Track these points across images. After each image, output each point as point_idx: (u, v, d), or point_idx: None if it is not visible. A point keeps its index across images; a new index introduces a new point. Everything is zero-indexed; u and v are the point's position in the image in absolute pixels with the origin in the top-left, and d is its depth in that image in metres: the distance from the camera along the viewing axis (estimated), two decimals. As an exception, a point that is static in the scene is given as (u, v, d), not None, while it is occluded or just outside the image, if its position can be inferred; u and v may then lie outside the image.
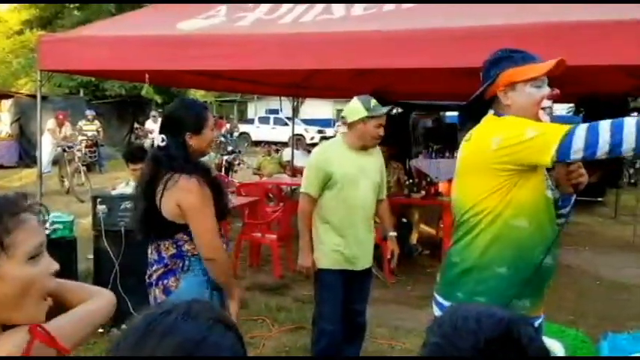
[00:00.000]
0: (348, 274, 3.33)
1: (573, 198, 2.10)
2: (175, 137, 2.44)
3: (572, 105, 16.74)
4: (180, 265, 2.47)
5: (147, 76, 4.55)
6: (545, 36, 3.40)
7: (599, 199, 10.40)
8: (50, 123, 11.71)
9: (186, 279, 2.47)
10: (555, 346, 2.74)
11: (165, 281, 2.49)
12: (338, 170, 3.24)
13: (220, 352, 0.81)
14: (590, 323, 4.45)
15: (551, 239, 1.99)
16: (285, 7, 4.57)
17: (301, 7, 4.48)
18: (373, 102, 3.27)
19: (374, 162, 3.40)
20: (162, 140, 2.45)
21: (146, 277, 2.58)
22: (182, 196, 2.35)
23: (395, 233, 3.57)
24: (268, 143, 11.80)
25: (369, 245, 3.43)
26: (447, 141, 10.00)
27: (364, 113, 3.22)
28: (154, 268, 2.54)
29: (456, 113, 11.90)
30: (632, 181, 12.39)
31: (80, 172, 10.61)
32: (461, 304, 0.98)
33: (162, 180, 2.40)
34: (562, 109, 18.40)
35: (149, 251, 2.58)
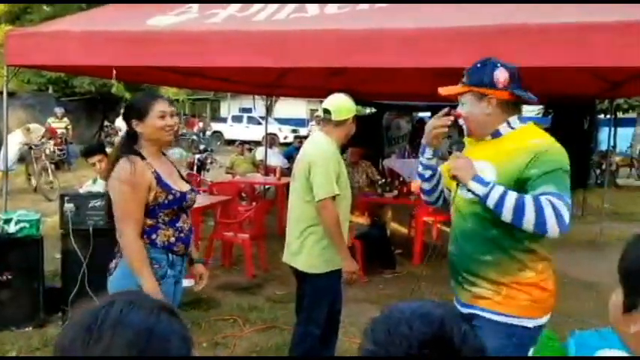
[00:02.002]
0: (336, 276, 3.27)
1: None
2: (127, 125, 2.59)
3: (541, 106, 17.09)
4: (120, 251, 2.55)
5: (114, 72, 4.46)
6: (515, 37, 3.46)
7: (567, 199, 10.59)
8: (33, 127, 11.46)
9: (122, 263, 2.54)
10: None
11: (111, 263, 2.59)
12: (342, 169, 3.21)
13: (172, 338, 0.82)
14: (557, 320, 4.49)
15: (453, 230, 2.29)
16: (259, 4, 4.54)
17: (275, 5, 4.46)
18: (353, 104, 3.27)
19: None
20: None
21: None
22: (112, 177, 2.50)
23: None
24: (242, 142, 11.72)
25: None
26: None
27: (354, 112, 3.21)
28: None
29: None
30: (599, 181, 12.67)
31: (48, 170, 10.41)
32: (395, 304, 0.95)
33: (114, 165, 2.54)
34: (531, 110, 18.72)
35: None
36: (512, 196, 1.99)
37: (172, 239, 2.58)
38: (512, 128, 2.16)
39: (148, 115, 2.53)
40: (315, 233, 3.19)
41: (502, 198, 2.00)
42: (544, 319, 2.24)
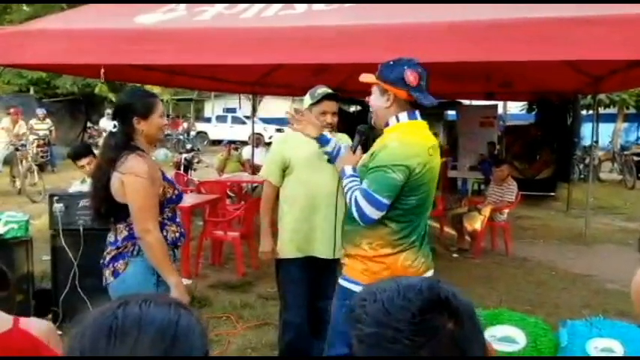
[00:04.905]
0: (311, 265, 3.22)
1: None
2: (125, 122, 2.56)
3: (525, 103, 17.26)
4: (131, 249, 2.51)
5: (102, 70, 4.42)
6: (500, 32, 3.49)
7: (552, 193, 10.73)
8: (5, 121, 11.31)
9: (134, 263, 2.50)
10: (517, 334, 2.82)
11: (116, 264, 2.52)
12: (295, 155, 3.21)
13: (194, 332, 0.81)
14: (547, 312, 4.59)
15: None
16: (246, 4, 4.53)
17: (262, 4, 4.46)
18: (320, 90, 3.21)
19: None
20: (115, 126, 2.58)
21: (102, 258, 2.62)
22: (124, 174, 2.43)
23: None
24: (229, 142, 11.72)
25: (333, 233, 3.19)
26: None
27: (309, 102, 3.23)
28: (108, 249, 2.57)
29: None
30: (583, 176, 12.82)
31: (33, 171, 10.28)
32: (366, 289, 0.97)
33: (113, 163, 2.47)
34: (515, 107, 18.89)
35: (109, 234, 2.60)
36: (347, 186, 2.43)
37: (177, 234, 2.61)
38: (397, 121, 2.40)
39: (152, 114, 2.56)
40: (279, 216, 3.35)
41: (345, 187, 2.46)
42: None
